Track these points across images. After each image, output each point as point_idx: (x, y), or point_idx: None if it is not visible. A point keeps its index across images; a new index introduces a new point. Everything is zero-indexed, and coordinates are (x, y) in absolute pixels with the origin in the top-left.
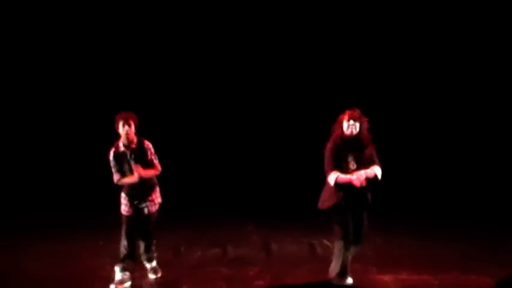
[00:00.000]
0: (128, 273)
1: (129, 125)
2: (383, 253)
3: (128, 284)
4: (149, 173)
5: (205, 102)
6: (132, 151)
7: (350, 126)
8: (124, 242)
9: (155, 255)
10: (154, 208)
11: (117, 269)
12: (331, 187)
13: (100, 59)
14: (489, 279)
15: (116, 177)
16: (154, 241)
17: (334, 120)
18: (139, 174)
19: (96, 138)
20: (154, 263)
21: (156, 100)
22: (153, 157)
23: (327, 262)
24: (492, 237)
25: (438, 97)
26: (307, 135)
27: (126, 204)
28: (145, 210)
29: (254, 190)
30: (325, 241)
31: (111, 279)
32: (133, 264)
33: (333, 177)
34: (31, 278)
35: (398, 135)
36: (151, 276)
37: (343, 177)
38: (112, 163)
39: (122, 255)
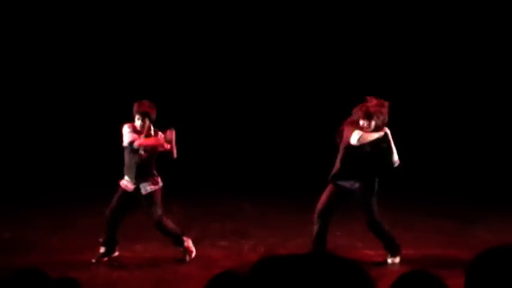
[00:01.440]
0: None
1: (144, 122)
2: (368, 230)
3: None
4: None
5: (205, 83)
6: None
7: (364, 126)
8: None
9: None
10: (150, 189)
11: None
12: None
13: (109, 47)
14: (468, 253)
15: (132, 136)
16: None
17: (331, 101)
18: (166, 137)
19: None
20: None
21: (159, 82)
22: (170, 147)
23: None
24: (472, 214)
25: (436, 87)
26: (304, 115)
27: (127, 180)
28: (142, 190)
29: (251, 168)
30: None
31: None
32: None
33: (355, 136)
34: (48, 247)
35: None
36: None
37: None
38: (128, 129)
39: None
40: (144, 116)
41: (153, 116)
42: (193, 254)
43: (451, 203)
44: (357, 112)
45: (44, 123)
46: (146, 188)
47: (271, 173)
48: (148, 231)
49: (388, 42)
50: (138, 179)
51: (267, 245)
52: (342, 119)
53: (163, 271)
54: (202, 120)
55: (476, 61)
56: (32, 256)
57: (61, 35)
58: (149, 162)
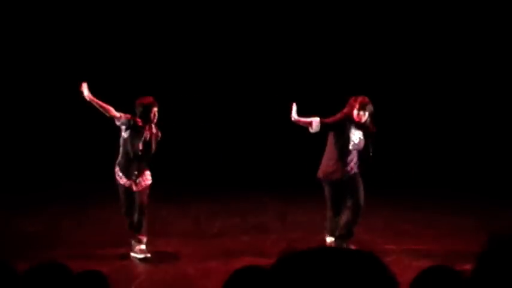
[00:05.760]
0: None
1: (157, 112)
2: (389, 226)
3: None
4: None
5: (219, 79)
6: (151, 135)
7: (360, 115)
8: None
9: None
10: (140, 187)
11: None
12: (337, 161)
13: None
14: None
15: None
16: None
17: (340, 97)
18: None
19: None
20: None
21: (170, 80)
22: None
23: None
24: (493, 210)
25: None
26: (323, 110)
27: (120, 176)
28: (133, 187)
29: (271, 163)
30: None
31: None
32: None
33: (315, 122)
34: (71, 241)
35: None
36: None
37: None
38: (125, 122)
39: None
40: (157, 107)
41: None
42: (142, 255)
43: (471, 199)
44: (350, 104)
45: (63, 116)
46: (141, 183)
47: (291, 168)
48: (169, 226)
49: (386, 41)
50: (133, 175)
51: (288, 239)
52: None
53: (184, 266)
54: (222, 116)
55: (484, 56)
56: (55, 250)
57: (60, 34)
58: (144, 159)
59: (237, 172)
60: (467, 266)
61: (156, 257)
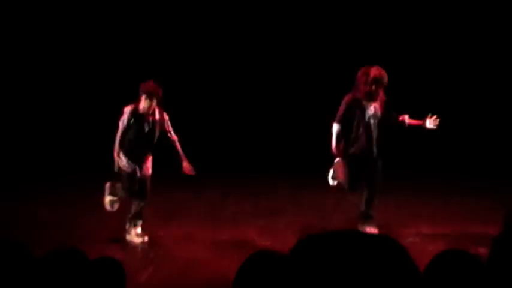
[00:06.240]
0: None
1: (151, 101)
2: (404, 208)
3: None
4: None
5: (235, 65)
6: (154, 122)
7: (373, 91)
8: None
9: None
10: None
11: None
12: (356, 137)
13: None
14: None
15: (119, 134)
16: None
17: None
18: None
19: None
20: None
21: (186, 67)
22: (170, 128)
23: (352, 214)
24: (509, 191)
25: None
26: (335, 95)
27: (125, 163)
28: (139, 173)
29: (284, 147)
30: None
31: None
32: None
33: (334, 128)
34: (86, 228)
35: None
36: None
37: (333, 143)
38: (127, 118)
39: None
40: (151, 96)
41: (160, 95)
42: (138, 240)
43: (486, 181)
44: (359, 78)
45: (72, 106)
46: (144, 170)
47: (304, 151)
48: (183, 209)
49: (386, 40)
50: (137, 161)
51: (302, 223)
52: None
53: (198, 249)
54: (237, 99)
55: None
56: (70, 235)
57: (59, 33)
58: (148, 145)
59: (250, 156)
60: (483, 249)
61: (170, 240)
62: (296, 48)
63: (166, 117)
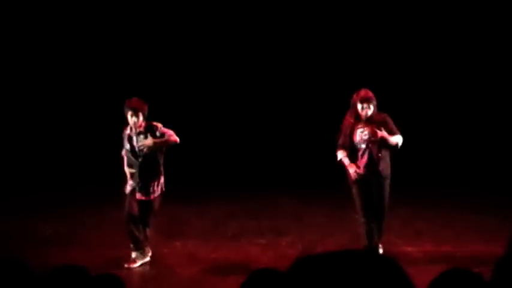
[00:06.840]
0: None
1: (137, 117)
2: (408, 226)
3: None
4: (162, 140)
5: (237, 78)
6: (139, 133)
7: (364, 109)
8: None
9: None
10: (145, 196)
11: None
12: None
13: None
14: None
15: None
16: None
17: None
18: (149, 144)
19: None
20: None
21: (186, 81)
22: (163, 130)
23: (356, 234)
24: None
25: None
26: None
27: (129, 184)
28: (137, 195)
29: (287, 165)
30: (356, 216)
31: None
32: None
33: (338, 155)
34: (89, 243)
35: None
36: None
37: (346, 163)
38: (124, 140)
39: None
40: (136, 111)
41: (146, 111)
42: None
43: (490, 199)
44: (353, 102)
45: (73, 119)
46: (149, 194)
47: (308, 169)
48: (186, 228)
49: (387, 40)
50: (135, 182)
51: (305, 241)
52: None
53: (201, 268)
54: (240, 115)
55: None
56: (72, 251)
57: (58, 35)
58: (143, 165)
59: (254, 173)
60: (487, 268)
61: (173, 258)
62: (299, 60)
63: (155, 124)
